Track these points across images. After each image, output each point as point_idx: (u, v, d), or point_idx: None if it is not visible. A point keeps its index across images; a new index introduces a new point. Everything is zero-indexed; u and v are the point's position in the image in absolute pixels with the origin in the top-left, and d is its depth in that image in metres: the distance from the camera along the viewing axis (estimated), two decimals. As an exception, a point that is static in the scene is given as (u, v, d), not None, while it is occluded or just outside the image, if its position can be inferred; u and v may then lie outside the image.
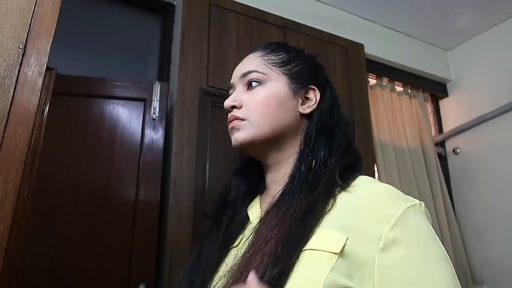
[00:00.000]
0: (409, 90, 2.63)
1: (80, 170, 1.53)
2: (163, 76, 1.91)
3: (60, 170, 1.49)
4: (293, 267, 0.52)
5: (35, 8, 0.75)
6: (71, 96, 1.59)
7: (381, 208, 0.55)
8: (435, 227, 2.26)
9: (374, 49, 2.37)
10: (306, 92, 0.71)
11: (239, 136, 0.68)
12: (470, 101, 2.62)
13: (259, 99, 0.68)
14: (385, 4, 2.36)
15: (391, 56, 2.50)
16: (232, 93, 0.74)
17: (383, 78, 2.53)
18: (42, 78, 0.72)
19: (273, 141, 0.68)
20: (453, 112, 2.72)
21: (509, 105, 2.33)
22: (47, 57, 0.74)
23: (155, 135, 1.63)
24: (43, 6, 0.76)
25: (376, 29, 2.51)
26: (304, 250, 0.54)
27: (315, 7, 2.33)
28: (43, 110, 0.81)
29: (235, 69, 0.76)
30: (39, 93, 0.71)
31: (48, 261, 1.38)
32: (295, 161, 0.67)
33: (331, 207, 0.59)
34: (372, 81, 2.48)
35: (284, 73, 0.70)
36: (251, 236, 0.62)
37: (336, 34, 2.08)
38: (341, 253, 0.52)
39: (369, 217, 0.55)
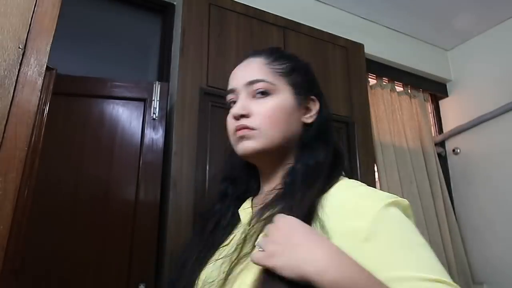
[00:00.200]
0: (409, 90, 2.63)
1: (80, 170, 1.53)
2: (163, 76, 1.91)
3: (60, 170, 1.49)
4: None
5: (35, 8, 0.75)
6: (71, 96, 1.59)
7: (361, 207, 0.58)
8: (435, 227, 2.26)
9: (374, 49, 2.37)
10: (307, 102, 0.74)
11: (249, 145, 0.69)
12: (470, 101, 2.62)
13: (270, 110, 0.69)
14: (385, 4, 2.36)
15: (391, 56, 2.50)
16: (232, 99, 0.74)
17: (383, 78, 2.53)
18: (42, 78, 0.72)
19: (279, 150, 0.70)
20: (453, 112, 2.72)
21: (509, 105, 2.33)
22: (47, 57, 0.74)
23: (155, 135, 1.63)
24: (43, 6, 0.76)
25: (376, 29, 2.51)
26: None
27: (315, 7, 2.33)
28: (43, 110, 0.81)
29: (236, 72, 0.76)
30: (39, 93, 0.71)
31: (48, 261, 1.38)
32: (295, 164, 0.70)
33: (321, 207, 0.61)
34: (372, 81, 2.48)
35: (288, 84, 0.72)
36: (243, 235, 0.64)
37: (336, 34, 2.08)
38: None
39: (350, 215, 0.58)
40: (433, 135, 2.64)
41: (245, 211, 0.73)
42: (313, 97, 0.74)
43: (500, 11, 2.44)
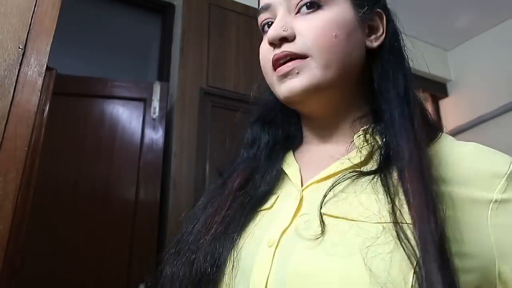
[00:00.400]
0: (409, 90, 2.63)
1: (80, 170, 1.53)
2: (163, 76, 1.91)
3: (60, 170, 1.49)
4: None
5: (35, 8, 0.75)
6: (71, 96, 1.59)
7: (485, 166, 0.44)
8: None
9: (374, 49, 2.37)
10: (371, 19, 0.53)
11: (298, 83, 0.48)
12: (470, 101, 2.62)
13: (324, 27, 0.48)
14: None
15: (391, 56, 2.50)
16: (267, 19, 0.53)
17: (383, 78, 2.53)
18: (42, 78, 0.72)
19: (337, 88, 0.50)
20: (453, 112, 2.72)
21: (509, 105, 2.33)
22: (47, 57, 0.74)
23: (155, 135, 1.63)
24: (43, 6, 0.76)
25: (376, 29, 2.51)
26: None
27: (315, 7, 2.32)
28: (43, 110, 0.81)
29: None
30: (39, 93, 0.71)
31: (48, 261, 1.38)
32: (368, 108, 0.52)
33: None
34: (372, 81, 2.48)
35: None
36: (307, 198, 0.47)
37: (336, 34, 2.08)
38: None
39: (473, 174, 0.43)
40: (433, 135, 2.65)
41: (292, 169, 0.53)
42: (379, 10, 0.55)
43: (500, 11, 2.44)
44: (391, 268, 0.37)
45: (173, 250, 0.54)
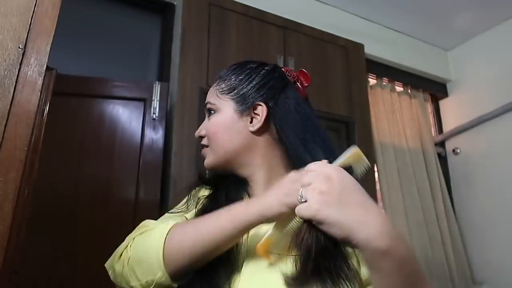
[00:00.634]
0: (409, 90, 2.63)
1: (80, 170, 1.53)
2: (163, 76, 1.91)
3: (60, 170, 1.49)
4: None
5: (35, 8, 0.75)
6: (71, 96, 1.59)
7: None
8: (435, 227, 2.26)
9: (374, 49, 2.37)
10: (255, 109, 0.74)
11: (206, 162, 0.77)
12: (470, 101, 2.62)
13: (211, 127, 0.76)
14: (385, 4, 2.36)
15: (391, 56, 2.50)
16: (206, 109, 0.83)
17: (383, 78, 2.53)
18: (42, 78, 0.72)
19: (233, 161, 0.75)
20: (453, 112, 2.72)
21: (509, 105, 2.33)
22: (47, 57, 0.74)
23: (155, 135, 1.63)
24: (43, 6, 0.76)
25: (376, 29, 2.51)
26: None
27: (315, 7, 2.33)
28: (43, 110, 0.81)
29: None
30: (39, 93, 0.71)
31: (48, 261, 1.38)
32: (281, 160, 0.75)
33: None
34: (372, 81, 2.48)
35: (231, 99, 0.75)
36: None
37: (336, 34, 2.08)
38: None
39: None
40: (433, 135, 2.64)
41: None
42: (259, 103, 0.74)
43: (500, 11, 2.44)
44: None
45: None
